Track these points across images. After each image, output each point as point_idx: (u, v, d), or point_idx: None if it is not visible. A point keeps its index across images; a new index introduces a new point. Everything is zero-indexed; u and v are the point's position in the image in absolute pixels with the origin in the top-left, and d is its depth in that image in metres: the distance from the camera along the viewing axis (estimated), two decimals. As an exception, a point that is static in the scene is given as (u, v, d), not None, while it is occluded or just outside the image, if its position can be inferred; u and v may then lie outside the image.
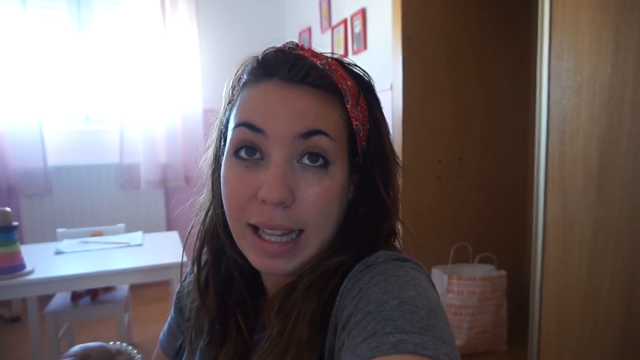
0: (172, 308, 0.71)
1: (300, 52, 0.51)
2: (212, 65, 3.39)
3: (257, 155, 0.49)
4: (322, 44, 3.06)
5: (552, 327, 1.42)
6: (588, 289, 1.29)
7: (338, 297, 0.47)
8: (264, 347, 0.50)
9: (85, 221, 3.11)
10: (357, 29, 2.57)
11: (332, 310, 0.47)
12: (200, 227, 0.61)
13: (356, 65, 0.55)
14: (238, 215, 0.50)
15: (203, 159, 0.59)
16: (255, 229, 0.50)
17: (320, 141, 0.48)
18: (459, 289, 2.11)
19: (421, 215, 2.28)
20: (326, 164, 0.49)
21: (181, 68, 3.26)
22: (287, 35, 3.64)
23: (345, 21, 2.71)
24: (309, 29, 3.25)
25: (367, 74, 0.56)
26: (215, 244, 0.58)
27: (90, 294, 2.13)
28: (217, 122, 0.56)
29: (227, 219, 0.52)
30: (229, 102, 0.53)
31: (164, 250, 2.05)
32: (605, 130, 1.23)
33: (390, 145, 0.55)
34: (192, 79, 3.29)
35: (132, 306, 2.63)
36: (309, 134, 0.47)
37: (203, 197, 0.60)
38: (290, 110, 0.47)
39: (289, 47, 0.52)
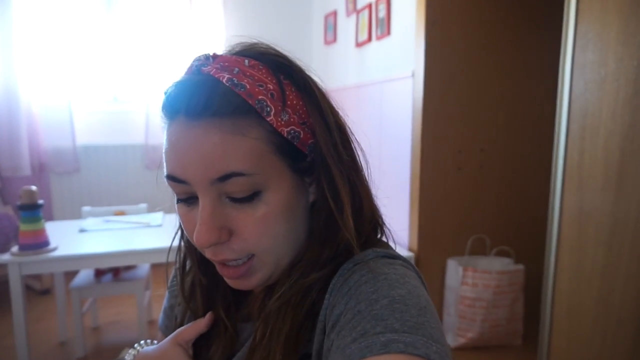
0: (167, 291, 0.73)
1: (209, 67, 0.47)
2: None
3: (192, 196, 0.49)
4: (347, 29, 3.02)
5: (563, 327, 1.39)
6: (601, 290, 1.26)
7: (327, 296, 0.47)
8: (246, 353, 0.51)
9: (112, 199, 3.22)
10: (382, 13, 2.52)
11: (318, 312, 0.48)
12: (182, 235, 0.61)
13: (278, 55, 0.50)
14: (197, 247, 0.51)
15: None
16: None
17: (237, 182, 0.45)
18: (473, 282, 2.08)
19: (439, 206, 2.25)
20: (257, 193, 0.46)
21: (207, 50, 3.27)
22: (313, 18, 3.61)
23: (370, 5, 2.65)
24: (335, 13, 3.21)
25: (293, 62, 0.50)
26: (197, 252, 0.59)
27: (113, 271, 2.21)
28: None
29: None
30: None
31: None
32: (627, 128, 1.17)
33: (331, 142, 0.49)
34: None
35: (153, 284, 2.72)
36: (223, 178, 0.45)
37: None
38: (198, 155, 0.44)
39: (197, 66, 0.49)
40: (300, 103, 0.49)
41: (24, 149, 2.99)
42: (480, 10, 2.18)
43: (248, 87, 0.45)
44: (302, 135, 0.48)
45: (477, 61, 2.21)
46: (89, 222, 2.23)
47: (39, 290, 2.96)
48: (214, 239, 0.46)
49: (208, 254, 0.49)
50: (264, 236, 0.47)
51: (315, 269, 0.49)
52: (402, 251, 2.28)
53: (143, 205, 2.55)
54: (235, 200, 0.46)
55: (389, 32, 2.47)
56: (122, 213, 2.43)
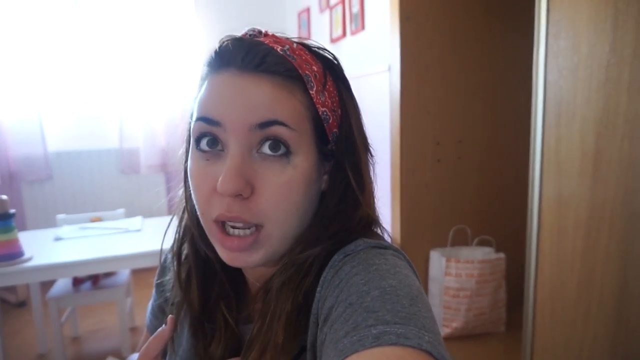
0: (154, 290, 0.71)
1: (262, 38, 0.50)
2: (211, 46, 3.34)
3: (218, 147, 0.48)
4: (321, 25, 3.01)
5: (546, 311, 1.41)
6: (582, 273, 1.28)
7: (318, 289, 0.47)
8: (245, 347, 0.50)
9: (87, 206, 3.14)
10: (355, 8, 2.52)
11: (312, 303, 0.47)
12: (179, 221, 0.61)
13: (324, 49, 0.54)
14: (204, 209, 0.50)
15: (180, 152, 0.58)
16: (221, 224, 0.49)
17: (277, 131, 0.46)
18: (457, 272, 2.11)
19: (420, 198, 2.27)
20: (288, 153, 0.47)
21: (180, 51, 3.23)
22: (286, 16, 3.59)
23: (343, 1, 2.65)
24: (308, 9, 3.20)
25: (335, 58, 0.54)
26: (194, 237, 0.58)
27: (91, 279, 2.16)
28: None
29: (198, 213, 0.52)
30: (196, 96, 0.52)
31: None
32: (601, 112, 1.20)
33: (361, 132, 0.54)
34: (191, 62, 3.26)
35: (134, 290, 2.66)
36: (265, 124, 0.46)
37: (182, 190, 0.60)
38: (245, 100, 0.45)
39: (250, 35, 0.51)
40: (335, 92, 0.52)
41: (-9, 158, 2.88)
42: (453, 4, 2.19)
43: (297, 60, 0.49)
44: (330, 121, 0.51)
45: (452, 53, 2.23)
46: (64, 230, 2.16)
47: (14, 303, 2.86)
48: (240, 186, 0.45)
49: (222, 208, 0.47)
50: (282, 202, 0.47)
51: (316, 245, 0.50)
52: (385, 245, 2.29)
53: (120, 211, 2.49)
54: (266, 156, 0.47)
55: (363, 27, 2.47)
56: (98, 219, 2.37)
